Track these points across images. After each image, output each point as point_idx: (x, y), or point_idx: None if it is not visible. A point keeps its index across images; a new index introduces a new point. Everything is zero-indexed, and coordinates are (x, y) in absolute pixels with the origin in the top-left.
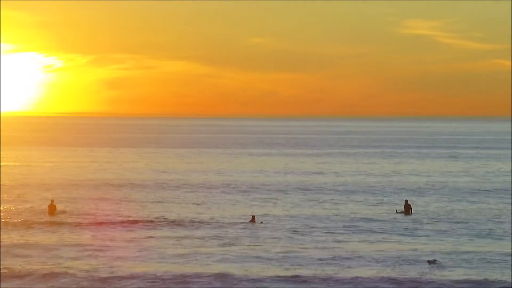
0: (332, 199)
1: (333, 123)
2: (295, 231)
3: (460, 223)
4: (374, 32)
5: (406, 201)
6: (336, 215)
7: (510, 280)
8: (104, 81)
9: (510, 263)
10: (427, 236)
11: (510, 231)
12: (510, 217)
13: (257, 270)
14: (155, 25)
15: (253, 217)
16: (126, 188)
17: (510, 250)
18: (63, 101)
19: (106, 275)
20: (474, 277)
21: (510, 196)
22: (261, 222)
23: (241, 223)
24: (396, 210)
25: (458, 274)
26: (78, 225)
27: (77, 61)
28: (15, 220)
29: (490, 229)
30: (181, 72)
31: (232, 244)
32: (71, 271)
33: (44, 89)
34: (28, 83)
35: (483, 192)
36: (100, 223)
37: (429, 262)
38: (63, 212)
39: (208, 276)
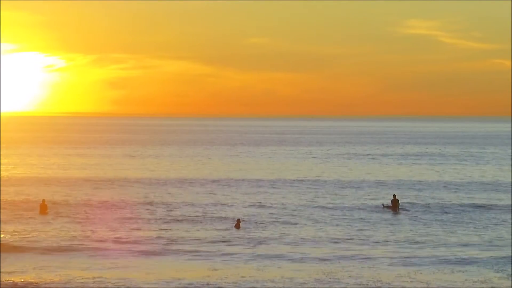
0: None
1: (331, 123)
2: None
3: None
4: (374, 31)
5: (394, 196)
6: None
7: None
8: (105, 81)
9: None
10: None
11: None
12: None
13: None
14: (155, 25)
15: (238, 221)
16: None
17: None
18: (65, 101)
19: None
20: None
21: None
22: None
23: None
24: (383, 204)
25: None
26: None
27: (78, 61)
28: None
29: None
30: (181, 72)
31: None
32: None
33: (46, 89)
34: (30, 83)
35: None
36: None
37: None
38: (56, 212)
39: None
